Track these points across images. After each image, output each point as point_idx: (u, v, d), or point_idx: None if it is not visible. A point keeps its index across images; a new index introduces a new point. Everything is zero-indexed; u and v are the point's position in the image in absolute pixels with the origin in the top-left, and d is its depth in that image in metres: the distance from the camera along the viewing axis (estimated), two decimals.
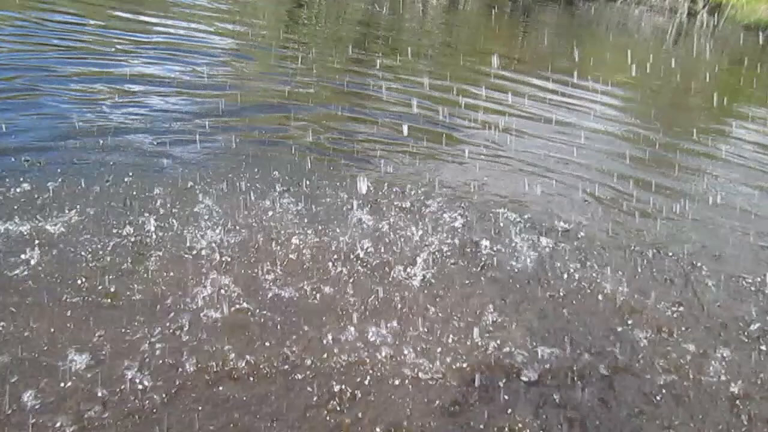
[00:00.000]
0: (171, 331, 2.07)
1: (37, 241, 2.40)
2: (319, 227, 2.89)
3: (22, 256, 2.30)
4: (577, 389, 2.12)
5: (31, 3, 6.51)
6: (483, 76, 7.22)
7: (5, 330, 1.95)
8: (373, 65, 6.76)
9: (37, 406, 1.69)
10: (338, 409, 1.86)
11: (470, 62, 8.29)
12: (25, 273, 2.22)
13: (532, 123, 5.55)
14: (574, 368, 2.22)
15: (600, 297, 2.72)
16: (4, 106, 3.76)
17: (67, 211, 2.64)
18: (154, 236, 2.59)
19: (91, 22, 6.23)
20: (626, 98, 7.96)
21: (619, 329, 2.51)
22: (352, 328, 2.21)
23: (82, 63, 4.92)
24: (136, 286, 2.27)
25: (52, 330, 1.98)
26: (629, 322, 2.57)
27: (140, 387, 1.81)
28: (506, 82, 7.08)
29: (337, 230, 2.88)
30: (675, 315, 2.67)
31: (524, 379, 2.13)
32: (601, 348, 2.37)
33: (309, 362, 2.03)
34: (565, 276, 2.83)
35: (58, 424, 1.64)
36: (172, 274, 2.38)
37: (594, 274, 2.88)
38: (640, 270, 3.04)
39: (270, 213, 2.94)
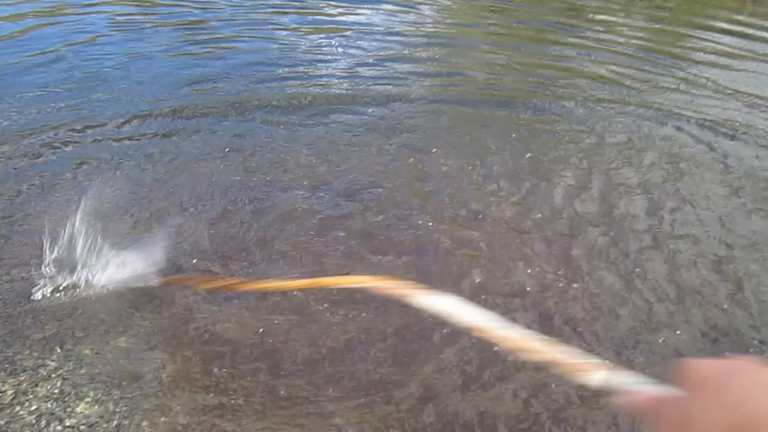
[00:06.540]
0: None
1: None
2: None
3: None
4: None
5: None
6: (705, 30, 6.48)
7: None
8: (585, 14, 6.57)
9: None
10: None
11: (692, 12, 7.49)
12: None
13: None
14: None
15: None
16: (222, 54, 4.21)
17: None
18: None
19: None
20: None
21: None
22: None
23: (295, 19, 5.30)
24: None
25: None
26: None
27: None
28: (739, 26, 6.29)
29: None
30: None
31: None
32: None
33: None
34: None
35: None
36: None
37: None
38: None
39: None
